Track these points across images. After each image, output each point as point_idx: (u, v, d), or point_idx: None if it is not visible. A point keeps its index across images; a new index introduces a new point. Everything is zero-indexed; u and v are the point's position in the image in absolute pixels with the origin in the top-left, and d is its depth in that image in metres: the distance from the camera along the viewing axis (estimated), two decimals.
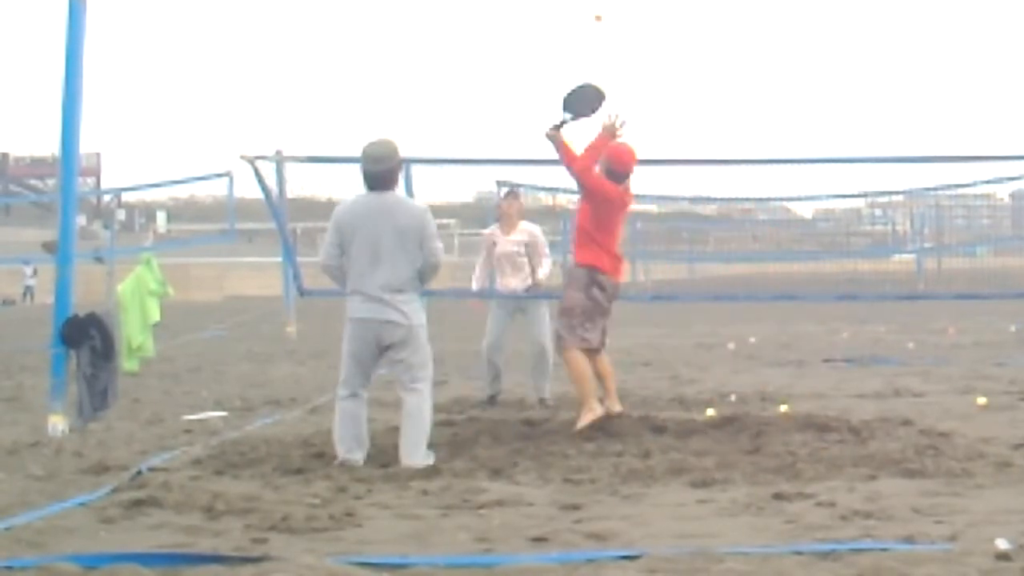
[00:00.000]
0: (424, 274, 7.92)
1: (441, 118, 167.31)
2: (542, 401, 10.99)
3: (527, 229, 11.40)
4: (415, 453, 7.71)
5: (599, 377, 9.07)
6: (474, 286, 11.66)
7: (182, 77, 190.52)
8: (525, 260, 11.29)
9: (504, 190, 11.89)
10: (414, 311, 7.85)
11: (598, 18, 9.59)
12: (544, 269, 11.36)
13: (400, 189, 8.14)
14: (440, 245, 7.98)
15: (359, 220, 7.80)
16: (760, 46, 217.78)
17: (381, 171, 7.82)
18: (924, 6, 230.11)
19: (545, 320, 11.30)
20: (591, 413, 8.78)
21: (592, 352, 8.98)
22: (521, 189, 12.70)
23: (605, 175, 8.98)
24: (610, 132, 8.91)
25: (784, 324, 24.46)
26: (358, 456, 7.75)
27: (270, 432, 9.33)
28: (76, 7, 9.15)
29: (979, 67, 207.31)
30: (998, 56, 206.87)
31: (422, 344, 7.92)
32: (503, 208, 11.48)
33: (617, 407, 9.12)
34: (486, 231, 11.76)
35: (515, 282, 11.34)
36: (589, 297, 8.96)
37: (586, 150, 8.93)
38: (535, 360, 11.23)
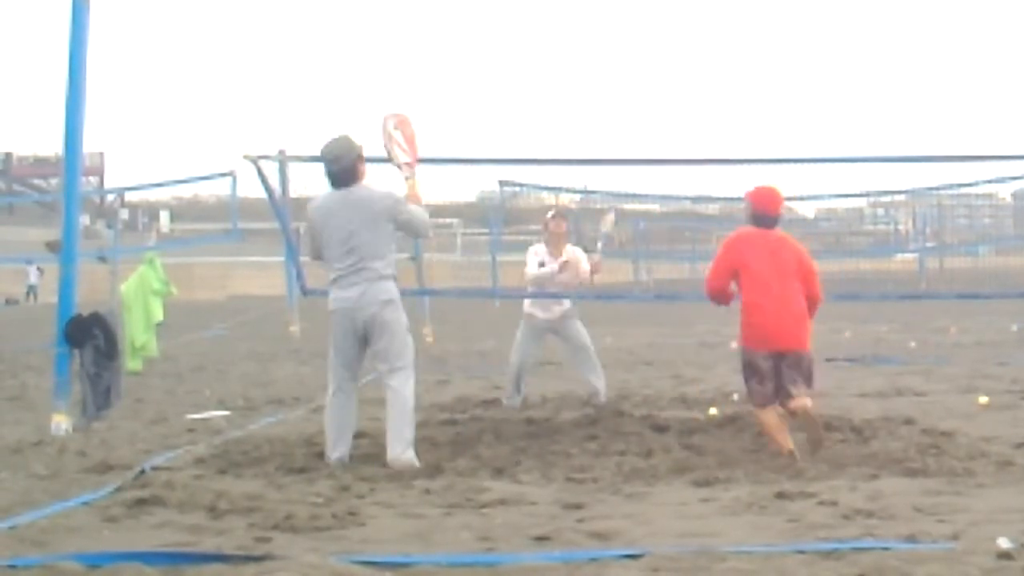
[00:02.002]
0: (418, 231, 8.32)
1: (444, 117, 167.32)
2: (593, 397, 10.77)
3: (573, 252, 11.05)
4: (396, 446, 7.72)
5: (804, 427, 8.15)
6: (544, 271, 10.90)
7: (186, 77, 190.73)
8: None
9: (551, 212, 11.38)
10: (389, 299, 7.89)
11: None
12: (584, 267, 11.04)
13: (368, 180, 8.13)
14: (415, 213, 8.04)
15: (329, 216, 7.95)
16: (762, 45, 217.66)
17: (340, 169, 7.98)
18: (925, 6, 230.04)
19: (582, 329, 11.00)
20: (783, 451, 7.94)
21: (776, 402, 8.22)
22: (524, 189, 12.60)
23: (751, 221, 8.45)
24: None
25: None
26: (341, 453, 7.81)
27: (273, 431, 9.34)
28: (79, 7, 9.16)
29: (980, 67, 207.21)
30: (999, 56, 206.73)
31: (399, 332, 7.92)
32: (553, 229, 11.04)
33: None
34: (533, 248, 11.10)
35: (556, 307, 10.97)
36: (751, 359, 8.24)
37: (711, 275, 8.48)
38: (581, 358, 10.94)
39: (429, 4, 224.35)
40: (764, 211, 8.47)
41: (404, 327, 7.98)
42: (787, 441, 7.96)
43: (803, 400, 7.99)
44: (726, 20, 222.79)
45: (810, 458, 7.65)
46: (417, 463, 7.64)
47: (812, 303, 8.39)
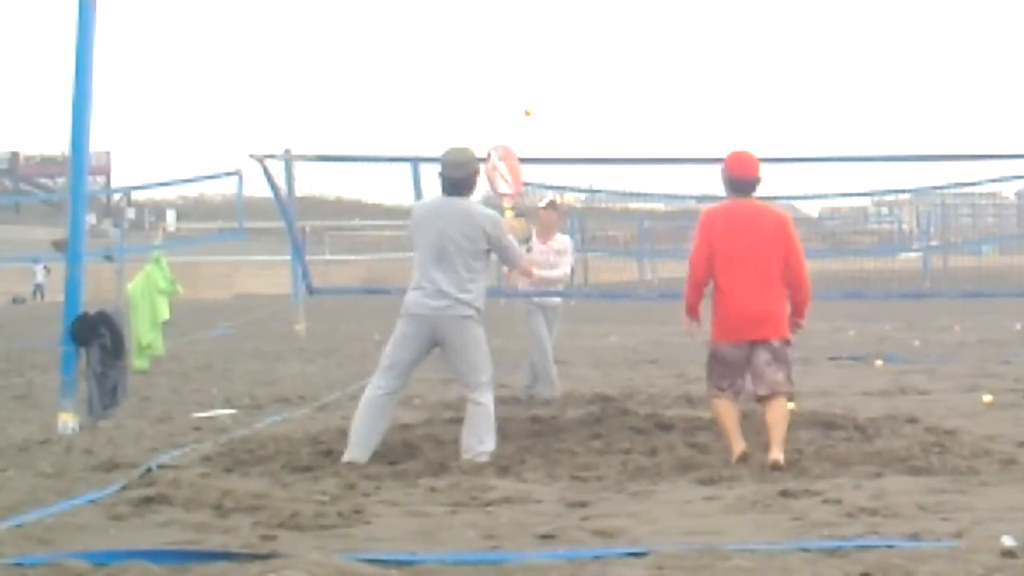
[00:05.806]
0: (511, 260, 8.44)
1: (447, 116, 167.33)
2: (531, 398, 11.22)
3: (562, 241, 11.68)
4: (476, 445, 7.78)
5: (767, 425, 7.77)
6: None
7: (192, 76, 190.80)
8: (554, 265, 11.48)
9: (544, 200, 11.99)
10: (473, 314, 7.93)
11: (528, 113, 9.21)
12: (562, 269, 11.62)
13: (475, 195, 8.26)
14: (512, 243, 8.21)
15: (429, 220, 7.97)
16: (766, 45, 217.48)
17: (459, 177, 7.99)
18: (925, 6, 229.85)
19: (555, 328, 11.58)
20: (733, 453, 7.67)
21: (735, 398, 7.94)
22: (528, 188, 12.68)
23: (728, 190, 7.92)
24: None
25: None
26: (359, 454, 7.75)
27: (279, 430, 9.35)
28: (86, 6, 9.18)
29: (984, 66, 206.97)
30: (1003, 54, 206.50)
31: (479, 346, 7.97)
32: (542, 217, 11.53)
33: (775, 456, 7.45)
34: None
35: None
36: (715, 348, 7.98)
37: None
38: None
39: (431, 2, 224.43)
40: (740, 175, 7.83)
41: (484, 340, 8.03)
42: (739, 441, 7.67)
43: (780, 399, 7.74)
44: (730, 19, 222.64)
45: (813, 457, 7.66)
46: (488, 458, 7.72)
47: (797, 297, 7.97)
